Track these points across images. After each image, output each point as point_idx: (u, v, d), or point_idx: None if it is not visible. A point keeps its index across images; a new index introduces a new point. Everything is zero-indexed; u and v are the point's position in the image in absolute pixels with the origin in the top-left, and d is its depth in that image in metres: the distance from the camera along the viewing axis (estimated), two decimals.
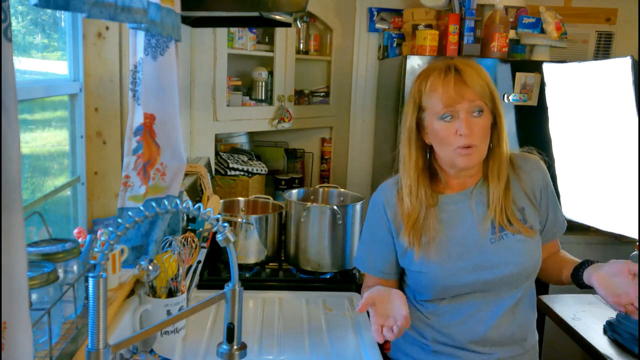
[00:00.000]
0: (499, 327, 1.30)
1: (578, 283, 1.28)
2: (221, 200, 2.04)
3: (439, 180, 1.36)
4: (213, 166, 2.67)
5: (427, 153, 1.36)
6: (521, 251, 1.28)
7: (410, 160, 1.33)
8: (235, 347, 0.97)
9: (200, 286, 1.74)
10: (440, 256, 1.30)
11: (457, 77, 1.23)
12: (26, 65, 1.36)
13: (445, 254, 1.30)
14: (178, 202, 0.93)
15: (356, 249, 1.91)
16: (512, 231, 1.28)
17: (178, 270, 1.43)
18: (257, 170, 2.82)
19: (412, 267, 1.34)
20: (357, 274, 1.92)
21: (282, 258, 2.00)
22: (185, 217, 1.74)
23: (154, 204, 0.96)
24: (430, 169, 1.37)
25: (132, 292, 1.48)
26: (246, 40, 2.82)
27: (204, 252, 1.73)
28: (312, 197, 2.10)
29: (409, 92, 1.33)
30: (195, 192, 1.97)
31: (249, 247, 1.88)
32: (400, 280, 1.45)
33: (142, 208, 0.93)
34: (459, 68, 1.25)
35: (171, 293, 1.42)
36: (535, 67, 2.71)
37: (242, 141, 3.20)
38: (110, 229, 0.92)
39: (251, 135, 3.28)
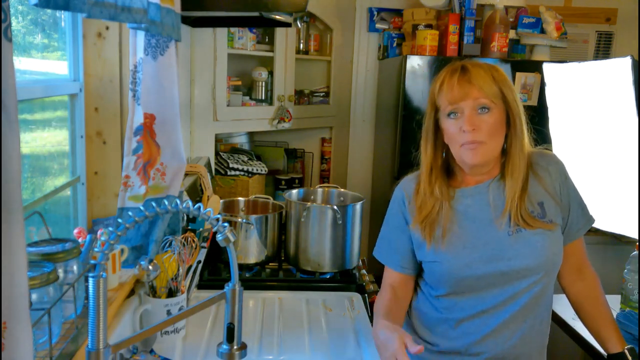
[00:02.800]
0: (510, 324, 1.31)
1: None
2: (221, 200, 2.04)
3: (456, 177, 1.39)
4: (213, 166, 2.67)
5: (444, 152, 1.39)
6: (538, 244, 1.28)
7: (426, 157, 1.37)
8: (235, 347, 0.97)
9: (200, 286, 1.74)
10: (455, 247, 1.31)
11: (462, 76, 1.28)
12: (26, 65, 1.36)
13: (460, 244, 1.31)
14: (178, 202, 0.93)
15: (357, 248, 1.93)
16: (527, 227, 1.29)
17: (178, 270, 1.43)
18: (257, 170, 2.82)
19: (427, 257, 1.35)
20: (357, 274, 1.93)
21: (282, 258, 2.00)
22: (185, 217, 1.74)
23: (154, 204, 0.96)
24: (448, 167, 1.40)
25: (132, 292, 1.48)
26: (246, 40, 2.82)
27: (204, 252, 1.73)
28: (312, 197, 2.10)
29: (429, 93, 1.38)
30: (195, 192, 1.97)
31: (249, 247, 1.88)
32: (418, 277, 1.47)
33: (142, 208, 0.93)
34: (466, 67, 1.29)
35: (171, 293, 1.42)
36: (535, 67, 2.71)
37: (242, 141, 3.20)
38: (110, 229, 0.92)
39: (251, 135, 3.28)
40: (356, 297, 1.77)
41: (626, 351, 1.32)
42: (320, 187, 2.13)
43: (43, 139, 1.46)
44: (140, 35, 1.33)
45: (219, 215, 0.95)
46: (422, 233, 1.34)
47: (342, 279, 1.88)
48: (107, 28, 1.53)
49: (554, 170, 1.35)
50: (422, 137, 1.39)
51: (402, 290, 1.43)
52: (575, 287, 1.41)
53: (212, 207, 1.36)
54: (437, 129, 1.36)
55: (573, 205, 1.36)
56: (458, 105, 1.27)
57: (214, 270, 1.91)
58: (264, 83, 3.01)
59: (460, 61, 1.33)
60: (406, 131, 2.79)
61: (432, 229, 1.33)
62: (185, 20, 2.11)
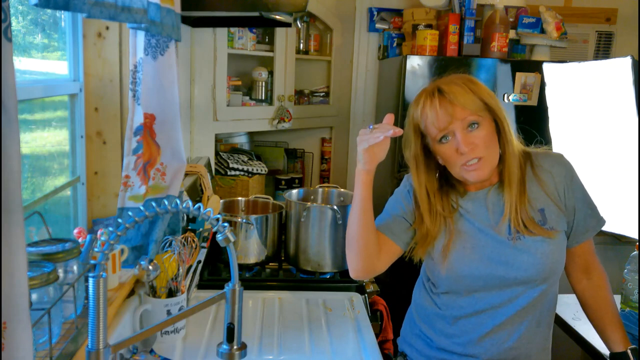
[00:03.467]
0: (507, 325, 1.31)
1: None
2: (221, 200, 2.04)
3: (456, 188, 1.38)
4: (213, 166, 2.67)
5: (439, 171, 1.37)
6: (538, 252, 1.28)
7: (420, 186, 1.35)
8: (235, 347, 0.97)
9: (200, 286, 1.74)
10: (455, 247, 1.32)
11: (442, 98, 1.25)
12: (26, 65, 1.36)
13: (460, 244, 1.32)
14: (178, 202, 0.93)
15: None
16: (528, 234, 1.28)
17: (178, 270, 1.43)
18: (257, 170, 2.82)
19: (428, 257, 1.37)
20: None
21: (282, 258, 2.00)
22: (185, 217, 1.74)
23: (154, 203, 0.96)
24: (447, 180, 1.39)
25: (132, 292, 1.48)
26: (246, 40, 2.82)
27: (204, 252, 1.73)
28: (312, 197, 2.10)
29: (408, 118, 1.34)
30: (195, 192, 1.97)
31: (249, 247, 1.88)
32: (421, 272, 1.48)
33: (142, 208, 0.93)
34: (442, 89, 1.26)
35: (171, 293, 1.42)
36: (535, 67, 2.71)
37: (242, 141, 3.20)
38: (110, 229, 0.92)
39: (251, 135, 3.28)
40: (356, 297, 1.77)
41: (629, 351, 1.32)
42: (320, 187, 2.13)
43: (43, 139, 1.46)
44: (140, 35, 1.33)
45: (219, 215, 0.95)
46: (418, 245, 1.35)
47: (342, 279, 1.87)
48: (107, 28, 1.53)
49: (558, 172, 1.33)
50: (410, 165, 1.35)
51: (379, 243, 1.36)
52: (581, 285, 1.41)
53: (212, 207, 1.36)
54: (426, 153, 1.34)
55: (579, 208, 1.34)
56: (448, 129, 1.25)
57: (214, 270, 1.91)
58: (264, 83, 3.01)
59: (432, 83, 1.30)
60: None
61: (431, 245, 1.35)
62: (185, 20, 2.11)
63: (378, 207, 1.38)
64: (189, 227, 1.76)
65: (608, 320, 1.37)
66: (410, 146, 1.34)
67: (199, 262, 1.66)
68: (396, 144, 2.85)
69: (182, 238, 1.47)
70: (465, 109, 1.24)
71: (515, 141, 1.32)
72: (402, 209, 1.38)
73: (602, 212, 1.39)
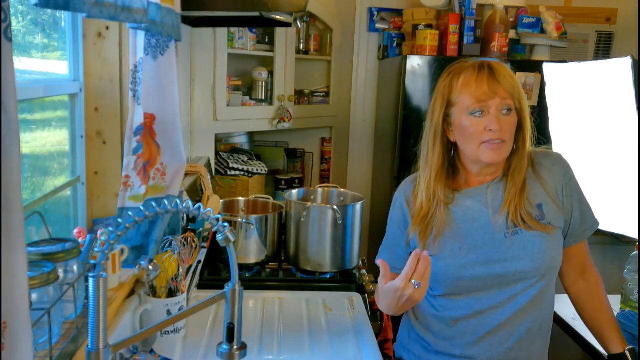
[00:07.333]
0: (507, 326, 1.30)
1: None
2: (221, 200, 2.04)
3: (459, 178, 1.38)
4: (213, 166, 2.67)
5: (449, 150, 1.37)
6: (535, 247, 1.28)
7: (433, 156, 1.35)
8: (235, 347, 0.97)
9: (200, 286, 1.74)
10: (452, 248, 1.32)
11: (491, 74, 1.27)
12: (26, 65, 1.36)
13: (457, 245, 1.32)
14: (178, 202, 0.93)
15: (357, 248, 1.93)
16: (526, 228, 1.29)
17: (178, 270, 1.43)
18: (257, 170, 2.82)
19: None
20: (357, 274, 1.92)
21: (282, 258, 2.00)
22: (185, 217, 1.74)
23: (154, 203, 0.96)
24: (451, 167, 1.39)
25: (132, 292, 1.48)
26: (246, 40, 2.82)
27: (204, 252, 1.73)
28: (312, 197, 2.10)
29: (436, 89, 1.35)
30: (196, 192, 1.97)
31: (249, 247, 1.88)
32: None
33: (142, 208, 0.93)
34: (492, 66, 1.29)
35: (171, 293, 1.42)
36: (536, 67, 2.71)
37: (242, 141, 3.20)
38: (111, 228, 0.92)
39: (251, 135, 3.28)
40: (356, 297, 1.77)
41: (627, 352, 1.32)
42: (320, 187, 2.13)
43: (43, 139, 1.46)
44: (141, 35, 1.33)
45: (219, 215, 0.95)
46: (418, 235, 1.35)
47: (342, 279, 1.88)
48: (107, 28, 1.53)
49: (557, 171, 1.35)
50: (429, 135, 1.36)
51: None
52: (577, 287, 1.41)
53: (212, 207, 1.36)
54: (444, 127, 1.34)
55: (576, 208, 1.35)
56: (485, 103, 1.26)
57: (214, 270, 1.91)
58: (264, 83, 3.01)
59: (476, 60, 1.32)
60: (406, 131, 2.79)
61: (427, 231, 1.34)
62: (185, 20, 2.11)
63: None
64: (189, 227, 1.76)
65: (605, 322, 1.37)
66: (433, 116, 1.34)
67: (199, 262, 1.66)
68: (396, 144, 2.85)
69: (182, 238, 1.47)
70: (507, 91, 1.26)
71: (530, 141, 1.34)
72: (402, 238, 1.40)
73: (602, 211, 1.39)
